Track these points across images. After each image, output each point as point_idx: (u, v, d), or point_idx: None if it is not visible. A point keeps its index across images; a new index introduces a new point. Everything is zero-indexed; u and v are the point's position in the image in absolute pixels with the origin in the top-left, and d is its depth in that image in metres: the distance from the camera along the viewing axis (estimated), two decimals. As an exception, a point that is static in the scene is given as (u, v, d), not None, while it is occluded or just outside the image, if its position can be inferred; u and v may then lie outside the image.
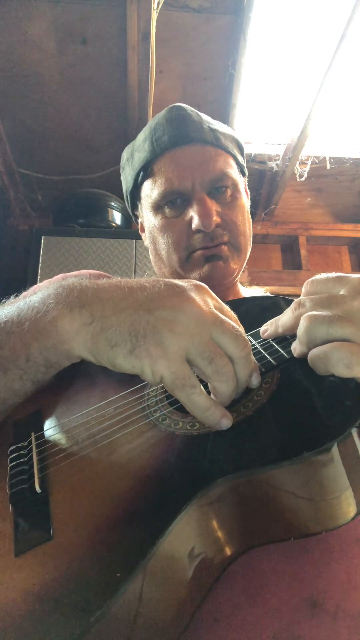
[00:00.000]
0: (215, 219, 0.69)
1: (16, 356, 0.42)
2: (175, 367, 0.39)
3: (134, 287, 0.44)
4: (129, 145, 0.84)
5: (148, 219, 0.77)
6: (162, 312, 0.40)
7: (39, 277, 1.91)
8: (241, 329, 0.44)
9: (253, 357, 0.43)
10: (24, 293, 0.51)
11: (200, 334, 0.40)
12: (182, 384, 0.39)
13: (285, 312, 0.46)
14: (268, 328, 0.48)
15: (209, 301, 0.43)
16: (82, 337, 0.42)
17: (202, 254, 0.71)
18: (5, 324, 0.44)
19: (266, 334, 0.48)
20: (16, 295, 0.52)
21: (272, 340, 0.48)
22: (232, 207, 0.73)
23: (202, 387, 0.40)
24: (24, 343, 0.42)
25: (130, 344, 0.39)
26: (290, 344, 0.44)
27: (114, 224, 2.15)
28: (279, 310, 0.48)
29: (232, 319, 0.43)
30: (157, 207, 0.74)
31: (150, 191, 0.75)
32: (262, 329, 0.49)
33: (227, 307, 0.45)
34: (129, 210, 0.88)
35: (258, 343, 0.48)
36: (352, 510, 0.36)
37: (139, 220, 0.86)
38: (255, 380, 0.43)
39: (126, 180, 0.83)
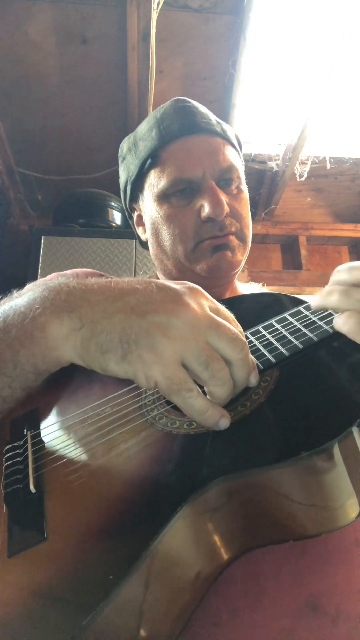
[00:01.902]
0: (226, 208, 0.68)
1: (4, 364, 0.41)
2: (170, 372, 0.38)
3: (124, 289, 0.42)
4: (127, 137, 0.82)
5: (151, 209, 0.75)
6: (155, 317, 0.39)
7: (39, 277, 1.91)
8: (239, 328, 0.43)
9: (251, 356, 0.42)
10: (16, 293, 0.49)
11: (195, 338, 0.39)
12: (178, 388, 0.38)
13: (329, 292, 0.45)
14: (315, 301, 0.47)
15: (204, 304, 0.42)
16: (72, 343, 0.40)
17: (210, 244, 0.69)
18: None
19: (314, 305, 0.47)
20: (3, 297, 0.50)
21: (271, 337, 0.47)
22: (238, 199, 0.73)
23: (198, 389, 0.39)
24: (11, 350, 0.41)
25: (122, 350, 0.38)
26: (290, 341, 0.44)
27: (114, 224, 2.14)
28: (279, 307, 0.47)
29: (228, 320, 0.42)
30: (164, 196, 0.72)
31: (157, 180, 0.73)
32: (310, 302, 0.48)
33: (223, 308, 0.44)
34: (126, 203, 0.85)
35: (257, 340, 0.47)
36: (353, 512, 0.35)
37: (136, 213, 0.84)
38: (253, 379, 0.42)
39: (128, 169, 0.80)
